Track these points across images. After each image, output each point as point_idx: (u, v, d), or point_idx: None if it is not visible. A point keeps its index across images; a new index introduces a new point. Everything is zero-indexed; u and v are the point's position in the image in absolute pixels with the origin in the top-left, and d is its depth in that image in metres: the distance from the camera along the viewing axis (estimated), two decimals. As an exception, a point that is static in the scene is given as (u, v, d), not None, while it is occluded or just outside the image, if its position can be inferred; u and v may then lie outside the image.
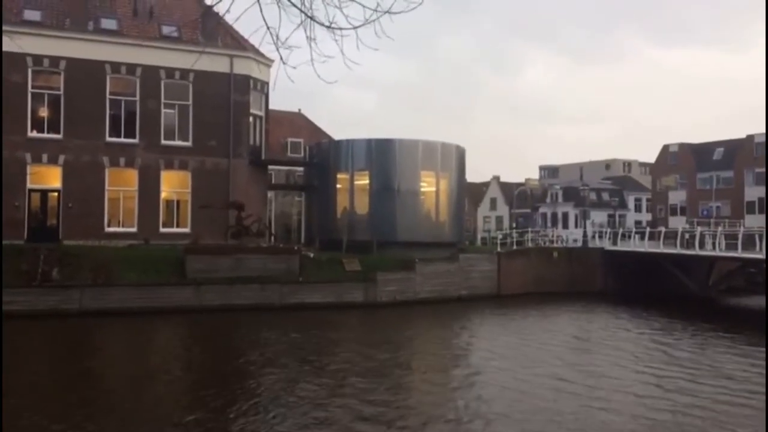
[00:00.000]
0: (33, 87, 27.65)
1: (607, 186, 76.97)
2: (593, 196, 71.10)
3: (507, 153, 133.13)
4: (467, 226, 49.32)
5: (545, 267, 33.76)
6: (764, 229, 27.89)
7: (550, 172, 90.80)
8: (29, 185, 27.50)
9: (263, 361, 15.98)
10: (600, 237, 38.66)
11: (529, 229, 39.63)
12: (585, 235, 39.12)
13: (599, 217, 66.10)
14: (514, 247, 34.74)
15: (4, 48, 24.39)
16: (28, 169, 27.41)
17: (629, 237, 36.26)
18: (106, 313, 22.47)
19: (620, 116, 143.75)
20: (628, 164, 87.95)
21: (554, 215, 70.78)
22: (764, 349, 17.40)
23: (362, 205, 31.83)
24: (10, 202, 26.78)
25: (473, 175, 76.50)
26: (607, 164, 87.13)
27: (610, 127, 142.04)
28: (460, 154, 34.14)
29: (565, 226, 66.47)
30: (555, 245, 37.40)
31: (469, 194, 50.98)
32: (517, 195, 69.31)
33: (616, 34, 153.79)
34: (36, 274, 23.08)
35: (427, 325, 24.14)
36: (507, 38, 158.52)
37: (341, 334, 21.59)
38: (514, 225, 57.48)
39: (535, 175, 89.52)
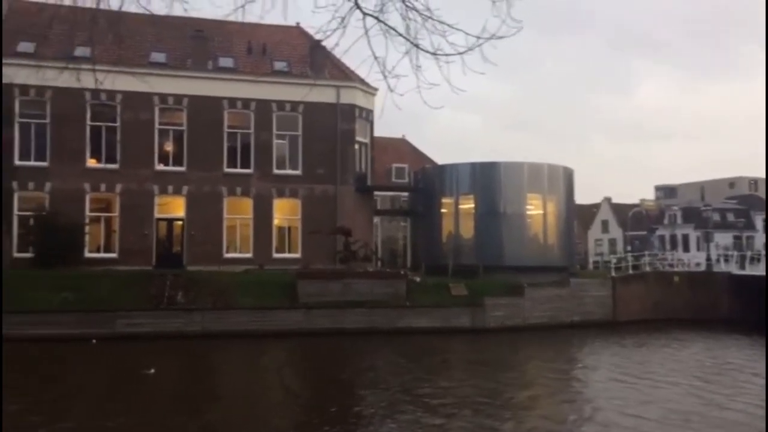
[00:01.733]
0: (159, 124, 30.08)
1: (732, 206, 72.07)
2: (716, 216, 66.81)
3: (619, 173, 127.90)
4: (578, 249, 47.76)
5: (665, 292, 32.01)
6: None
7: (667, 192, 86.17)
8: (156, 215, 29.80)
9: (375, 384, 16.21)
10: (726, 260, 36.14)
11: (646, 253, 37.79)
12: (709, 258, 36.79)
13: (724, 239, 61.99)
14: (630, 271, 33.25)
15: (135, 88, 26.81)
16: (156, 200, 29.72)
17: (758, 260, 33.68)
18: (225, 335, 23.70)
19: (744, 131, 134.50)
20: (754, 182, 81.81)
21: (673, 238, 67.04)
22: None
23: (467, 230, 31.90)
24: (140, 231, 29.16)
25: (583, 197, 74.12)
26: (731, 182, 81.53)
27: (733, 143, 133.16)
28: (568, 176, 33.41)
29: (686, 249, 62.74)
30: (675, 269, 35.39)
31: (578, 217, 49.47)
32: (631, 217, 66.42)
33: (734, 45, 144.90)
34: (163, 298, 24.78)
35: (540, 352, 23.51)
36: (618, 55, 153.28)
37: (450, 359, 21.53)
38: (628, 248, 55.04)
39: (650, 195, 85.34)
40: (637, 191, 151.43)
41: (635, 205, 73.41)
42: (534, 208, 32.09)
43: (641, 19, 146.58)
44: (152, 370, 16.48)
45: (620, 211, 74.31)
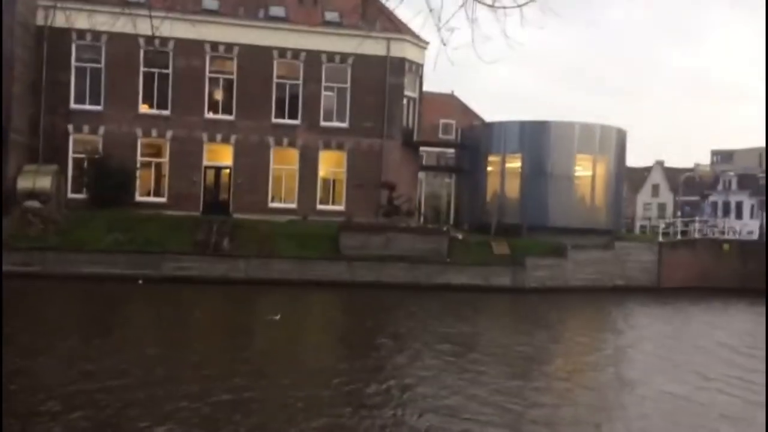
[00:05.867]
0: (210, 72, 30.25)
1: (793, 173, 69.05)
2: (774, 184, 64.18)
3: (675, 136, 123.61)
4: (625, 213, 46.80)
5: (714, 261, 31.27)
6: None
7: (723, 157, 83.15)
8: (205, 162, 30.31)
9: (409, 338, 16.38)
10: (781, 230, 34.95)
11: (696, 219, 36.81)
12: (763, 227, 35.61)
13: (781, 208, 59.58)
14: (678, 237, 32.51)
15: (188, 35, 26.75)
16: (204, 147, 30.18)
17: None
18: (268, 282, 24.17)
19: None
20: (819, 150, 78.03)
21: (726, 204, 64.93)
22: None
23: (513, 189, 31.52)
24: (189, 177, 29.73)
25: (635, 159, 71.99)
26: (794, 149, 77.95)
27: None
28: (621, 138, 32.56)
29: (739, 216, 60.76)
30: (726, 237, 34.41)
31: (628, 179, 48.30)
32: (683, 181, 64.48)
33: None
34: (209, 244, 25.46)
35: (579, 315, 23.46)
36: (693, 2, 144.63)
37: (487, 317, 21.63)
38: (678, 213, 53.61)
39: (705, 160, 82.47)
40: (694, 155, 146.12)
41: (689, 170, 71.13)
42: (583, 169, 31.52)
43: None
44: (278, 317, 16.85)
45: (673, 175, 72.19)
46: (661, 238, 31.49)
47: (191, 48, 29.18)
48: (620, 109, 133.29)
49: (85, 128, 29.13)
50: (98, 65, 29.12)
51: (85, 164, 28.82)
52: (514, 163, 31.59)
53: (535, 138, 31.27)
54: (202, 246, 25.38)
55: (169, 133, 29.74)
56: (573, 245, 28.15)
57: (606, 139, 31.70)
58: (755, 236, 35.32)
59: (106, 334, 15.02)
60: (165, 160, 29.95)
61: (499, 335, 17.52)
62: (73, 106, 28.96)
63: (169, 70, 29.63)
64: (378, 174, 30.75)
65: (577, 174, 31.30)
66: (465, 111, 50.88)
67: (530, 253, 27.37)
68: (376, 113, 31.16)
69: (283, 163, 30.91)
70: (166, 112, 29.59)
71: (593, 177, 31.36)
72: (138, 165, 29.39)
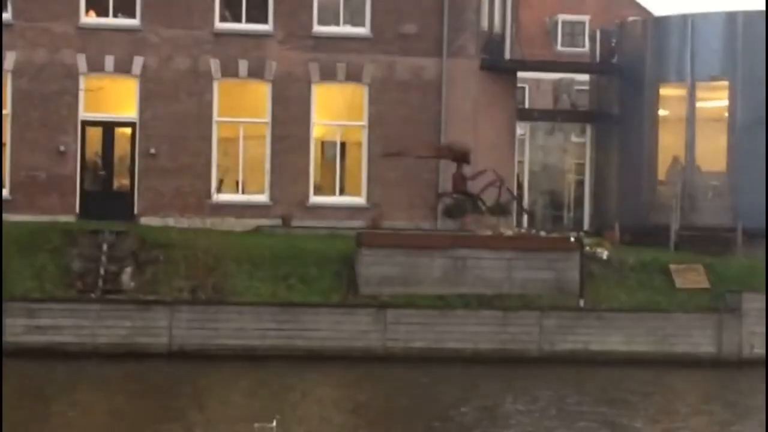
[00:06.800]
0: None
1: None
2: None
3: None
4: None
5: None
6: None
7: None
8: (82, 114, 30.70)
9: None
10: None
11: None
12: None
13: None
14: None
15: None
16: (81, 82, 30.58)
17: None
18: (215, 355, 24.39)
19: None
20: None
21: None
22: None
23: (714, 154, 32.05)
24: (52, 144, 30.10)
25: None
26: None
27: None
28: None
29: None
30: None
31: None
32: None
33: None
34: (95, 279, 25.70)
35: None
36: None
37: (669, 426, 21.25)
38: None
39: None
40: None
41: None
42: None
43: None
44: (273, 424, 17.33)
45: None
46: None
47: None
48: None
49: None
50: None
51: None
52: (715, 101, 32.16)
53: (755, 47, 31.42)
54: (83, 284, 25.79)
55: (10, 58, 30.13)
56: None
57: None
58: None
59: None
60: (5, 111, 30.25)
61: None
62: None
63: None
64: (434, 129, 31.15)
65: None
66: (607, -4, 50.73)
67: (750, 285, 27.84)
68: (426, 6, 31.51)
69: (240, 112, 31.67)
70: (5, 17, 29.88)
71: None
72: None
